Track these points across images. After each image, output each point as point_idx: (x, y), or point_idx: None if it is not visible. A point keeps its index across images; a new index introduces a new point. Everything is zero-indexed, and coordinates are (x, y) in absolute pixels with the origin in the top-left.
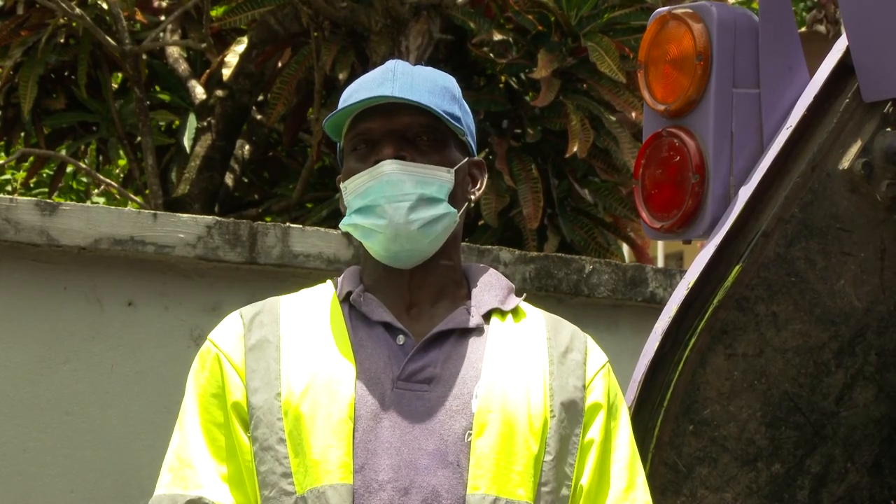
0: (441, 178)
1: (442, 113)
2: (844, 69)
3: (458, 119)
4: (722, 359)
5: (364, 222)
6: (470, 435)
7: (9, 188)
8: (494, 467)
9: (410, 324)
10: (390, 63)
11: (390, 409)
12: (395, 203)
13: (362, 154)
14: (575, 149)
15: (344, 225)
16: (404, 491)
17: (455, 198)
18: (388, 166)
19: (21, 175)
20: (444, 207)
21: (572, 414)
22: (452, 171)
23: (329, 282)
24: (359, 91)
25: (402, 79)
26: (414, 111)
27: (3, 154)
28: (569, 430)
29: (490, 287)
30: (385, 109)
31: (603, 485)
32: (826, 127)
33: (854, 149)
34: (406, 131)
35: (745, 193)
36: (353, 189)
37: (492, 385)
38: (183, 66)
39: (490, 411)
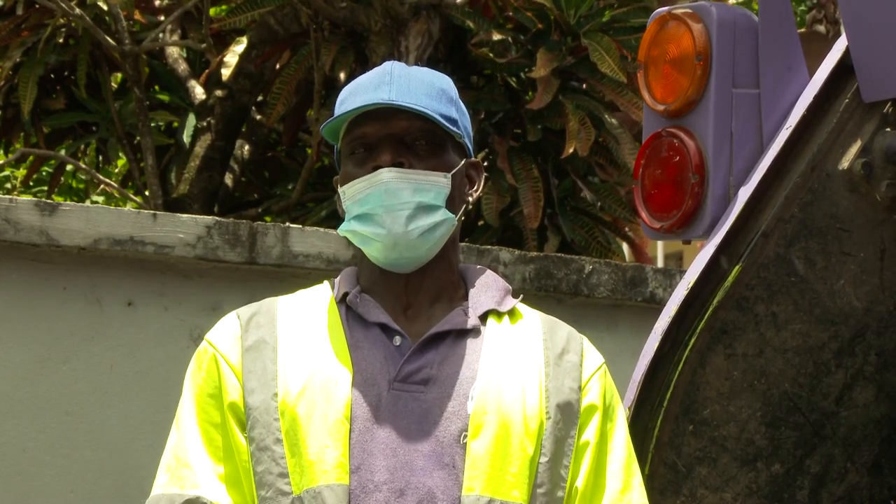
0: (439, 185)
1: (439, 118)
2: (844, 69)
3: (454, 122)
4: (722, 359)
5: (362, 230)
6: (465, 436)
7: (8, 185)
8: (490, 469)
9: (407, 325)
10: (387, 65)
11: (386, 410)
12: (393, 212)
13: (360, 159)
14: (572, 149)
15: (342, 230)
16: (400, 492)
17: (453, 202)
18: (386, 174)
19: (21, 173)
20: (443, 214)
21: (568, 416)
22: (449, 175)
23: (326, 283)
24: (355, 94)
25: (398, 82)
26: (411, 115)
27: (2, 154)
28: (564, 432)
29: (487, 288)
30: (382, 113)
31: (598, 486)
32: (826, 127)
33: (854, 149)
34: (404, 136)
35: (744, 193)
36: (351, 195)
37: (487, 386)
38: (182, 67)
39: (486, 413)
